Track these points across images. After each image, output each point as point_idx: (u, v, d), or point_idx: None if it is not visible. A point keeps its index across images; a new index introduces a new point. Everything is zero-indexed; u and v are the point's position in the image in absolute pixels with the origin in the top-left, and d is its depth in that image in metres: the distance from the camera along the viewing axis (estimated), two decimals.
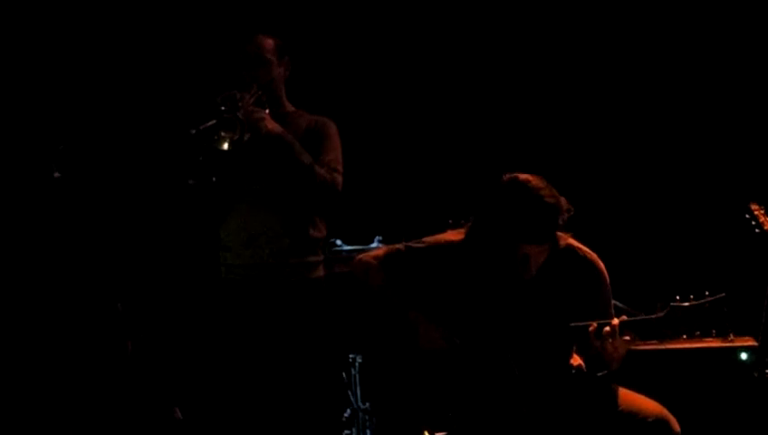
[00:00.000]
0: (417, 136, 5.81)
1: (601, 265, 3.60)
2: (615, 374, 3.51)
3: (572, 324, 3.44)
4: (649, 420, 3.48)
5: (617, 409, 3.54)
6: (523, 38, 5.75)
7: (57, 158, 4.34)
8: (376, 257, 3.79)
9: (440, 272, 3.66)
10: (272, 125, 4.08)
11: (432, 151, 5.79)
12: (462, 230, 3.71)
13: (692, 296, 3.30)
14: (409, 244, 3.76)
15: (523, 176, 3.43)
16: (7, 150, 5.13)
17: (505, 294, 3.55)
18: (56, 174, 4.14)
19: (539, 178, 3.44)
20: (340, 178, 4.20)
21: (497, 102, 5.76)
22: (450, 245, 3.68)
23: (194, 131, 3.98)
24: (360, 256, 3.88)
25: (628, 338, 3.36)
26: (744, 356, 4.66)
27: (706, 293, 3.29)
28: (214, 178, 4.14)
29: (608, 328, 3.35)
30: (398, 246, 3.79)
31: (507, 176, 3.46)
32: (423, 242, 3.74)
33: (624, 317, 3.39)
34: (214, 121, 3.98)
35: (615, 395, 3.57)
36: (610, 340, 3.34)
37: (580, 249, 3.60)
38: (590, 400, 3.55)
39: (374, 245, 5.13)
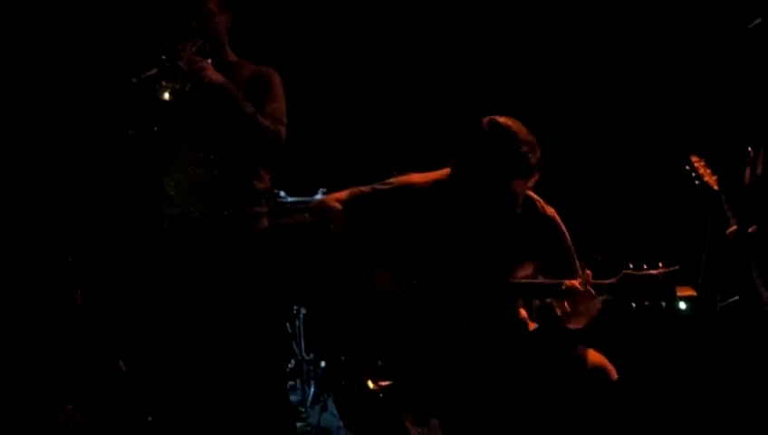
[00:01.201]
0: (359, 86, 5.79)
1: (558, 219, 3.62)
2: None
3: (512, 281, 3.47)
4: (588, 368, 3.51)
5: (555, 360, 3.58)
6: None
7: None
8: (338, 199, 3.77)
9: (406, 213, 3.64)
10: (214, 75, 4.03)
11: (374, 101, 5.78)
12: (427, 174, 3.71)
13: (645, 266, 3.31)
14: (375, 185, 3.74)
15: (501, 118, 3.47)
16: None
17: (472, 237, 3.56)
18: None
19: (513, 119, 3.49)
20: (283, 129, 4.16)
21: (440, 52, 5.75)
22: (417, 186, 3.67)
23: (135, 80, 3.93)
24: (325, 197, 3.87)
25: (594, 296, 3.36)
26: (682, 306, 4.73)
27: (660, 264, 3.31)
28: (155, 128, 4.09)
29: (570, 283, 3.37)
30: (363, 187, 3.76)
31: (486, 119, 3.48)
32: (389, 183, 3.72)
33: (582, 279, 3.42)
34: (155, 71, 3.92)
35: (553, 347, 3.61)
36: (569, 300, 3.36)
37: (538, 201, 3.63)
38: (531, 351, 3.59)
39: (318, 196, 5.13)
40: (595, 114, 5.67)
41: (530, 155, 3.41)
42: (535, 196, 3.63)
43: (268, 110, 4.13)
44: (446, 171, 3.61)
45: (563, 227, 3.63)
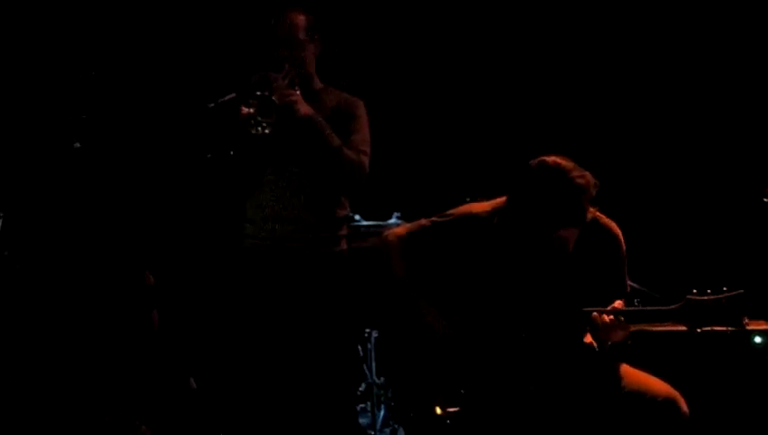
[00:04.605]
0: (435, 112, 5.80)
1: (619, 233, 3.61)
2: (626, 355, 3.52)
3: (585, 309, 3.45)
4: (659, 399, 3.48)
5: (622, 388, 3.54)
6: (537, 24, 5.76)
7: (78, 128, 4.35)
8: (398, 235, 3.80)
9: (465, 245, 3.65)
10: (304, 108, 4.03)
11: (450, 127, 5.79)
12: (488, 203, 3.70)
13: (709, 291, 3.26)
14: (434, 218, 3.75)
15: (550, 159, 3.43)
16: (29, 121, 5.15)
17: (532, 269, 3.55)
18: (77, 144, 4.15)
19: (565, 158, 3.44)
20: (366, 160, 4.17)
21: (515, 79, 5.75)
22: (477, 217, 3.66)
23: (212, 105, 3.97)
24: (386, 232, 3.88)
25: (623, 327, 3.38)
26: (758, 340, 4.67)
27: (724, 288, 3.26)
28: (231, 153, 4.12)
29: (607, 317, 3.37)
30: (423, 221, 3.78)
31: (535, 161, 3.45)
32: (449, 215, 3.73)
33: (618, 304, 3.41)
34: (233, 95, 3.96)
35: (619, 375, 3.58)
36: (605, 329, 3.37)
37: (601, 219, 3.59)
38: (598, 379, 3.56)
39: (392, 220, 5.14)
40: (680, 146, 5.62)
41: (577, 203, 3.37)
42: (599, 214, 3.58)
43: (353, 140, 4.15)
44: (505, 199, 3.60)
45: (621, 241, 3.60)
